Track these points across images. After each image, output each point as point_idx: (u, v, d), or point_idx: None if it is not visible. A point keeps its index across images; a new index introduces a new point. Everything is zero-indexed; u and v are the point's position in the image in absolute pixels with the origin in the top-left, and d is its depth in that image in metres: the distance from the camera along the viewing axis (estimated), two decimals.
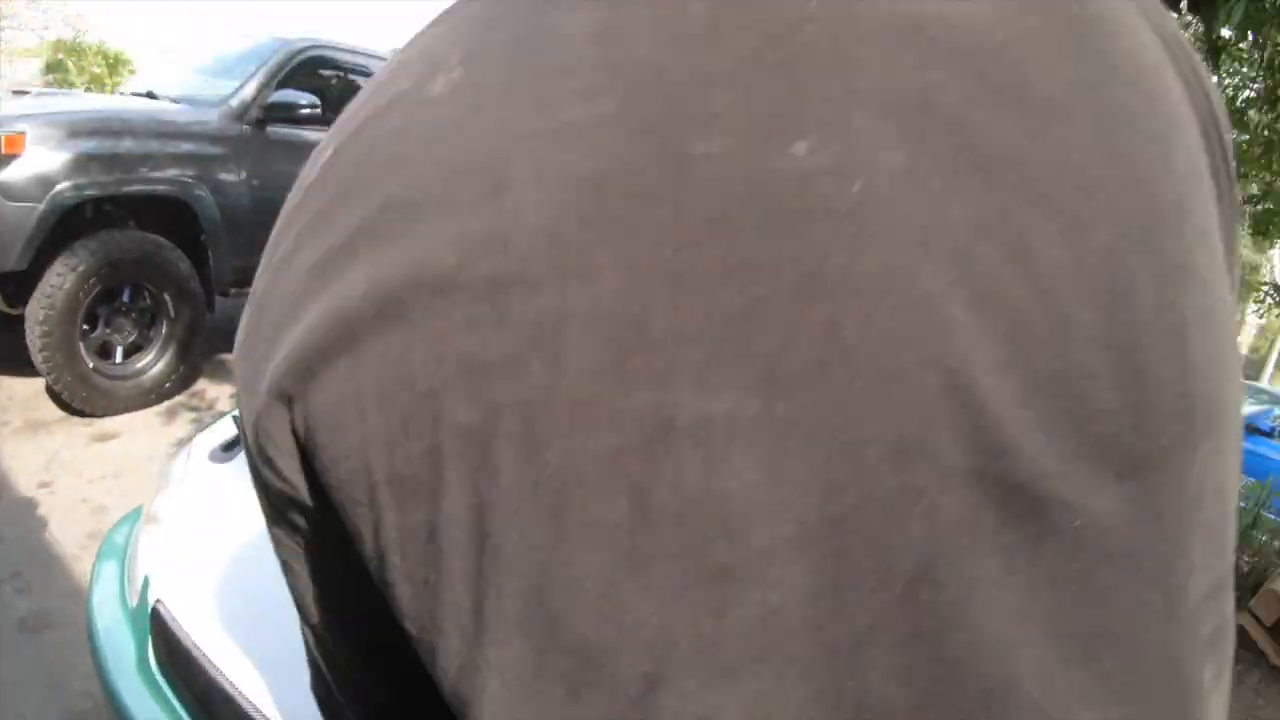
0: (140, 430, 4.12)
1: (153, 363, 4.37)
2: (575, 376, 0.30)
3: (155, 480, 2.07)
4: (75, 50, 18.12)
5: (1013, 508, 0.30)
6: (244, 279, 4.76)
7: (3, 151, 3.89)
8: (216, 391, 4.64)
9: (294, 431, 0.33)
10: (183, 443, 2.29)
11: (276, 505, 0.37)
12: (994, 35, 0.31)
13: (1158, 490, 0.32)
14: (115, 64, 18.03)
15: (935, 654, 0.30)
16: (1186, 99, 0.35)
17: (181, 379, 4.54)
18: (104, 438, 4.03)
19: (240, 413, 0.38)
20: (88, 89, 16.83)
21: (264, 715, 1.37)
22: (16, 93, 6.43)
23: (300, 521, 0.37)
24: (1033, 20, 0.32)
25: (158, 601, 1.63)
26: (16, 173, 3.89)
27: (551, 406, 0.30)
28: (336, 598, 0.40)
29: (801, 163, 0.30)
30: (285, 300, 0.34)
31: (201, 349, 4.63)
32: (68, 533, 3.21)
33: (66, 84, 16.92)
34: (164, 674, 1.61)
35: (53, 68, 17.75)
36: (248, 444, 0.37)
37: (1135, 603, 0.32)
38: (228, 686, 1.44)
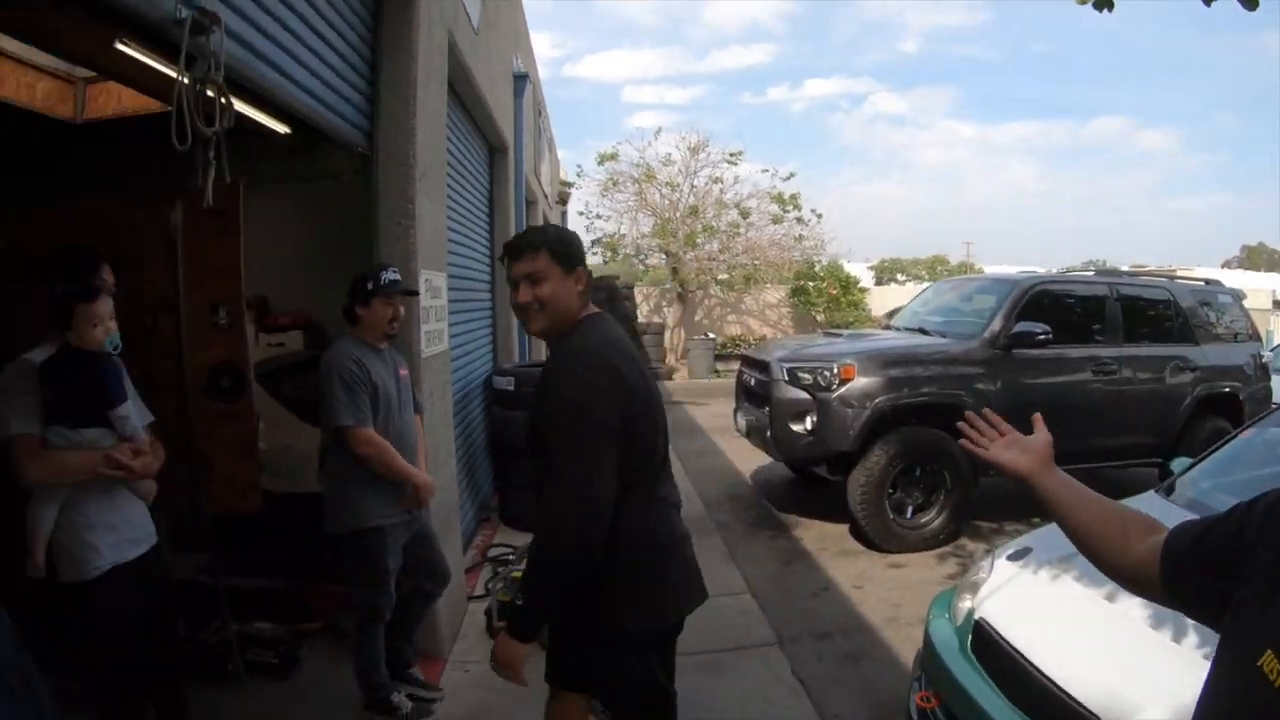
0: (920, 565, 5.92)
1: (932, 520, 6.25)
2: None
3: (970, 571, 3.66)
4: (811, 276, 21.25)
5: None
6: None
7: (842, 376, 6.20)
8: (974, 546, 6.26)
9: None
10: (988, 553, 3.81)
11: None
12: None
13: None
14: (846, 285, 21.01)
15: None
16: None
17: (950, 534, 6.29)
18: (895, 565, 5.93)
19: None
20: (826, 308, 20.55)
21: (1047, 677, 2.74)
22: (828, 334, 9.09)
23: None
24: None
25: (979, 619, 3.16)
26: (850, 390, 6.17)
27: None
28: None
29: None
30: None
31: (966, 515, 6.37)
32: (875, 613, 5.06)
33: (808, 304, 20.71)
34: (976, 656, 3.10)
35: (796, 293, 21.01)
36: None
37: None
38: (1022, 661, 2.86)
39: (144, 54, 2.95)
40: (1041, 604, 3.12)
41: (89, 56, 3.57)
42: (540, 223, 13.78)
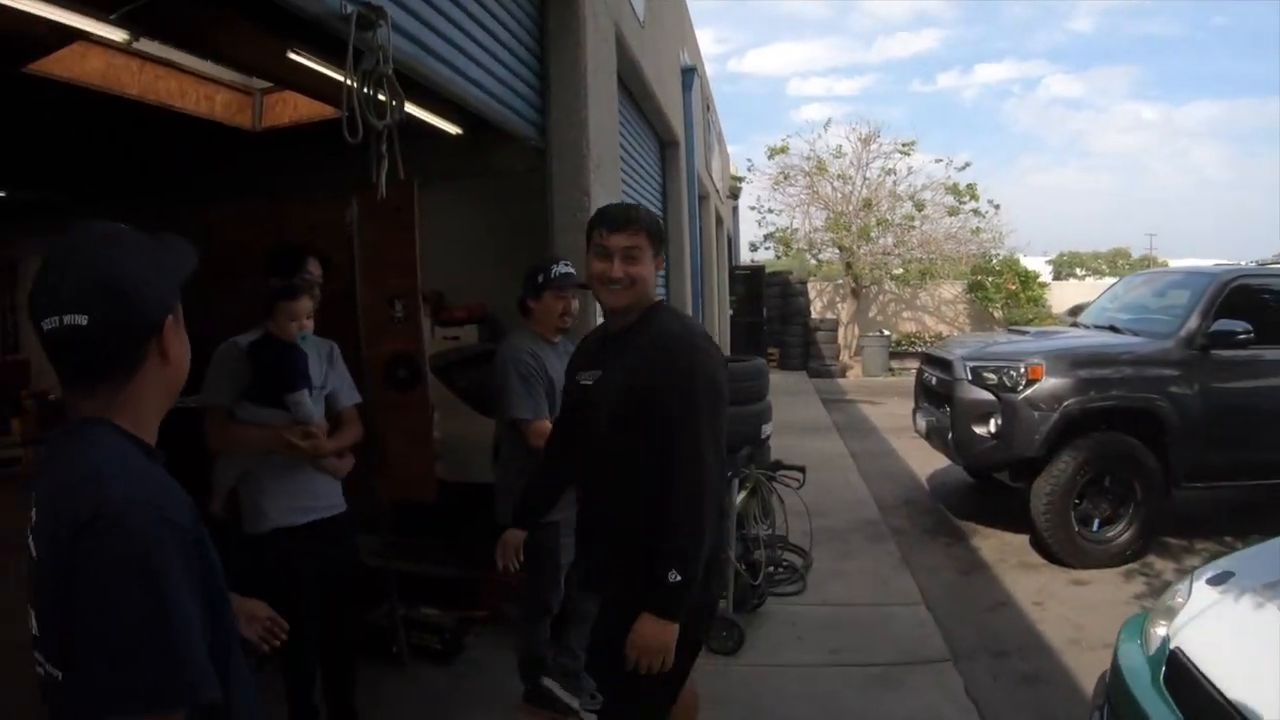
0: (1105, 583, 5.46)
1: (1120, 534, 5.76)
2: None
3: (1165, 595, 3.34)
4: (989, 270, 20.35)
5: None
6: (1196, 474, 5.89)
7: (1029, 376, 5.82)
8: (1163, 565, 5.71)
9: None
10: (1178, 573, 3.45)
11: None
12: None
13: None
14: (1026, 280, 20.12)
15: None
16: None
17: (1137, 551, 5.78)
18: (1078, 582, 5.52)
19: None
20: (1005, 304, 19.67)
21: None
22: (1012, 331, 8.63)
23: None
24: None
25: (1175, 649, 2.86)
26: (1037, 392, 5.79)
27: None
28: None
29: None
30: None
31: (1155, 530, 5.85)
32: (1055, 632, 4.71)
33: (986, 300, 19.91)
34: (1169, 690, 2.81)
35: (973, 288, 20.29)
36: None
37: None
38: (1221, 700, 2.56)
39: (314, 61, 3.09)
40: (1245, 636, 2.80)
41: (264, 68, 3.80)
42: (713, 218, 13.76)
